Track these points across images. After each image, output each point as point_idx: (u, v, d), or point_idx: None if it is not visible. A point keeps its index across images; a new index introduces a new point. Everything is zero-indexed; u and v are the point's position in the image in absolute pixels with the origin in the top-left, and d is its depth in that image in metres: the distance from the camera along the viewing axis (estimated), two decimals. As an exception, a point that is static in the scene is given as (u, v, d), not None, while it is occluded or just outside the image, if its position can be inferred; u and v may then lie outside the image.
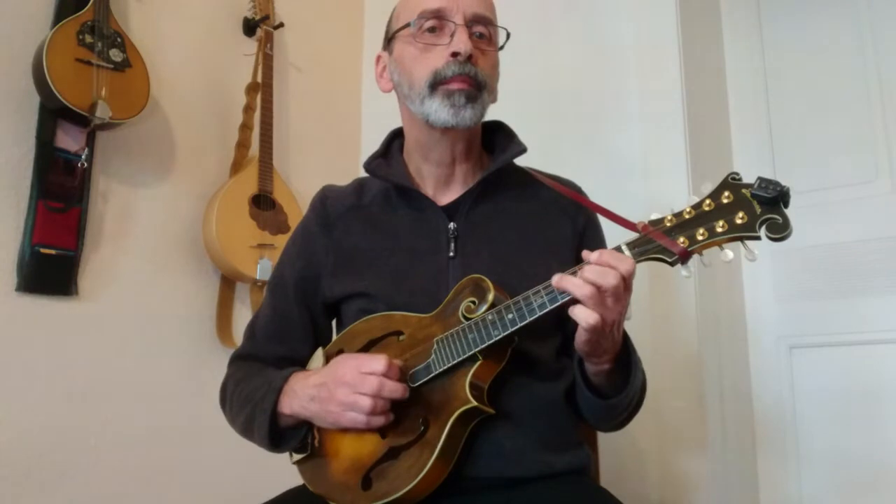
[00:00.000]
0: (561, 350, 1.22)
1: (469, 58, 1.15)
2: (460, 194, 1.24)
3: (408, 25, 1.20)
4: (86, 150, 1.81)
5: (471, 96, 1.15)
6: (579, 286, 0.97)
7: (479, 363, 1.06)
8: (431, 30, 1.18)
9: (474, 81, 1.16)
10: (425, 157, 1.25)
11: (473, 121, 1.17)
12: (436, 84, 1.16)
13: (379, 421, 1.06)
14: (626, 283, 0.98)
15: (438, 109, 1.15)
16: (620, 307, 1.00)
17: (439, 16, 1.18)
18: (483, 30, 1.20)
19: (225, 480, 2.02)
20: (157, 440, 1.91)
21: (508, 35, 1.24)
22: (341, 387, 1.06)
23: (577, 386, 1.17)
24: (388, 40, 1.27)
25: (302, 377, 1.15)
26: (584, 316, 0.98)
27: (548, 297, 1.01)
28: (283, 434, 1.17)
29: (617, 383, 1.11)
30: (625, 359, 1.11)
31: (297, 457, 1.19)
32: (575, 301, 0.99)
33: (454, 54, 1.15)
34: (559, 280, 0.99)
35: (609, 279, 0.96)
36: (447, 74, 1.15)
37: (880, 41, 1.93)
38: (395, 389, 1.05)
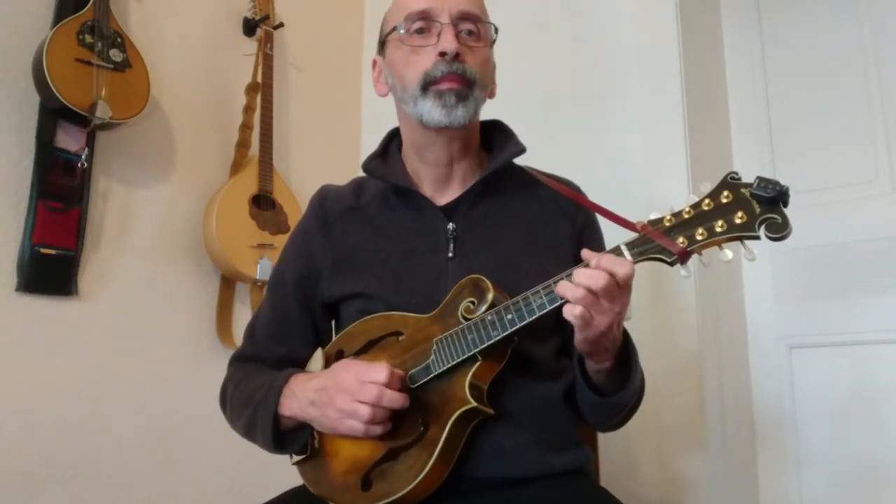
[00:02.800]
0: (560, 350, 1.22)
1: (457, 56, 1.15)
2: (459, 194, 1.24)
3: (396, 29, 1.21)
4: (86, 150, 1.81)
5: (461, 95, 1.16)
6: (572, 289, 0.98)
7: (478, 364, 1.06)
8: (419, 31, 1.19)
9: (464, 79, 1.16)
10: (422, 158, 1.25)
11: (467, 119, 1.17)
12: (426, 85, 1.16)
13: (377, 430, 1.06)
14: (619, 284, 0.98)
15: (431, 110, 1.16)
16: (618, 307, 1.00)
17: (425, 16, 1.18)
18: (471, 27, 1.20)
19: (225, 480, 2.02)
20: (156, 440, 1.91)
21: (497, 30, 1.24)
22: (341, 393, 1.06)
23: (577, 384, 1.17)
24: (381, 44, 1.28)
25: (302, 379, 1.15)
26: (568, 309, 0.98)
27: (547, 298, 1.02)
28: (285, 435, 1.17)
29: (617, 381, 1.12)
30: (625, 357, 1.11)
31: (297, 458, 1.19)
32: None
33: (441, 54, 1.15)
34: (558, 287, 1.00)
35: (599, 281, 0.97)
36: (436, 75, 1.15)
37: (880, 41, 1.93)
38: (394, 399, 1.05)
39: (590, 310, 0.98)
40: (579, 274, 0.98)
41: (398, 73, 1.21)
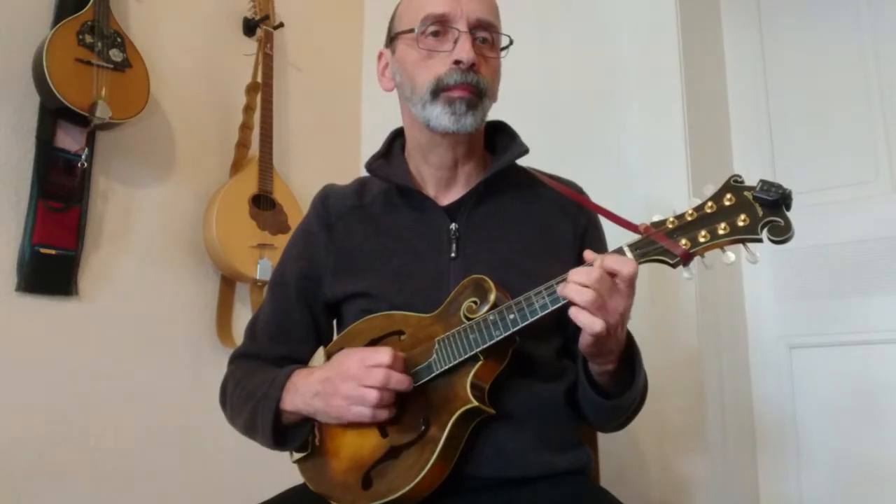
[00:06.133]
0: (562, 351, 1.22)
1: (471, 66, 1.15)
2: (462, 194, 1.23)
3: (411, 30, 1.19)
4: (86, 150, 1.81)
5: (471, 104, 1.15)
6: (579, 291, 0.97)
7: (480, 363, 1.06)
8: (435, 34, 1.18)
9: (476, 90, 1.15)
10: (425, 159, 1.25)
11: (474, 126, 1.17)
12: (438, 91, 1.15)
13: (384, 414, 1.06)
14: (627, 285, 0.99)
15: (440, 116, 1.15)
16: (623, 309, 1.00)
17: (443, 21, 1.17)
18: (486, 34, 1.19)
19: (225, 480, 2.02)
20: (156, 440, 1.91)
21: (511, 42, 1.24)
22: (347, 381, 1.06)
23: (580, 386, 1.17)
24: (391, 39, 1.26)
25: (305, 374, 1.15)
26: (588, 322, 0.98)
27: (549, 298, 1.02)
28: (286, 432, 1.17)
29: (621, 383, 1.12)
30: (628, 358, 1.11)
31: (297, 456, 1.19)
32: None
33: (457, 62, 1.15)
34: (562, 289, 0.99)
35: (595, 275, 0.97)
36: (449, 82, 1.15)
37: (880, 41, 1.93)
38: (401, 380, 1.06)
39: (597, 311, 0.97)
40: (577, 273, 0.98)
41: (408, 74, 1.20)
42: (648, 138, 1.95)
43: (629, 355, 1.12)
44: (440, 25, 1.17)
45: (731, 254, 0.97)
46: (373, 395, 1.04)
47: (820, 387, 1.89)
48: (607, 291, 0.97)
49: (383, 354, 1.06)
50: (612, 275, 0.98)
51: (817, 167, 1.96)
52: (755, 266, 1.98)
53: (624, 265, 0.98)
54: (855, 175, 1.91)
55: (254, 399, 1.18)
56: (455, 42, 1.16)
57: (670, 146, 1.90)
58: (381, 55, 1.29)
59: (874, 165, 1.90)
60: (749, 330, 2.00)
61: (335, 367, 1.10)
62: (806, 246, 1.91)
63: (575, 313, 0.98)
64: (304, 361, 1.24)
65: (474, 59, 1.15)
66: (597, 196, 1.28)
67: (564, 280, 1.01)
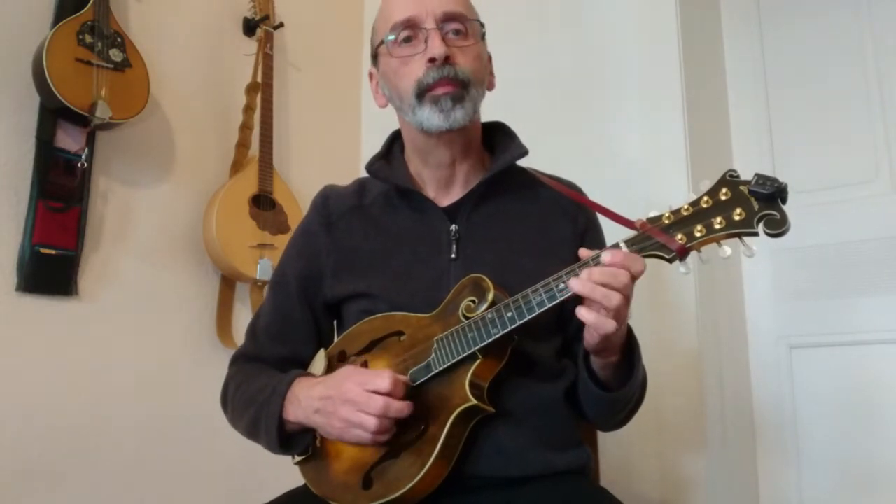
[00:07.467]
0: (562, 350, 1.22)
1: (447, 59, 1.15)
2: (461, 195, 1.24)
3: (384, 41, 1.21)
4: (86, 150, 1.81)
5: (457, 97, 1.16)
6: (592, 289, 0.97)
7: (478, 362, 1.06)
8: (407, 39, 1.19)
9: (457, 82, 1.16)
10: (425, 162, 1.25)
11: (466, 119, 1.17)
12: (421, 93, 1.16)
13: (384, 438, 1.06)
14: (632, 281, 0.99)
15: (429, 116, 1.16)
16: (628, 304, 1.01)
17: (410, 24, 1.18)
18: (458, 26, 1.19)
19: (225, 481, 2.02)
20: (156, 441, 1.91)
21: (482, 25, 1.23)
22: (346, 404, 1.06)
23: (581, 382, 1.17)
24: (374, 56, 1.28)
25: (306, 385, 1.14)
26: (600, 323, 0.98)
27: (546, 295, 1.02)
28: (290, 438, 1.17)
29: (622, 376, 1.12)
30: (629, 350, 1.12)
31: (298, 458, 1.19)
32: (577, 299, 0.99)
33: (431, 60, 1.15)
34: (573, 283, 0.99)
35: (622, 279, 0.97)
36: (429, 81, 1.15)
37: (880, 41, 1.93)
38: (400, 409, 1.05)
39: (606, 309, 0.98)
40: (600, 273, 0.98)
41: (392, 84, 1.22)
42: (648, 138, 1.95)
43: (629, 348, 1.12)
44: (410, 30, 1.18)
45: (727, 248, 0.97)
46: (372, 422, 1.04)
47: (820, 387, 1.89)
48: (620, 286, 0.97)
49: (383, 380, 1.05)
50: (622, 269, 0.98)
51: (817, 167, 1.96)
52: (755, 265, 1.98)
53: (634, 263, 0.98)
54: (855, 175, 1.91)
55: (255, 404, 1.18)
56: (426, 41, 1.17)
57: (670, 146, 1.90)
58: (371, 75, 1.30)
59: (874, 165, 1.90)
60: (749, 330, 2.00)
61: (335, 385, 1.09)
62: (806, 245, 1.91)
63: (584, 314, 0.99)
64: (305, 362, 1.25)
65: (447, 52, 1.15)
66: (597, 197, 1.28)
67: (561, 278, 1.01)
